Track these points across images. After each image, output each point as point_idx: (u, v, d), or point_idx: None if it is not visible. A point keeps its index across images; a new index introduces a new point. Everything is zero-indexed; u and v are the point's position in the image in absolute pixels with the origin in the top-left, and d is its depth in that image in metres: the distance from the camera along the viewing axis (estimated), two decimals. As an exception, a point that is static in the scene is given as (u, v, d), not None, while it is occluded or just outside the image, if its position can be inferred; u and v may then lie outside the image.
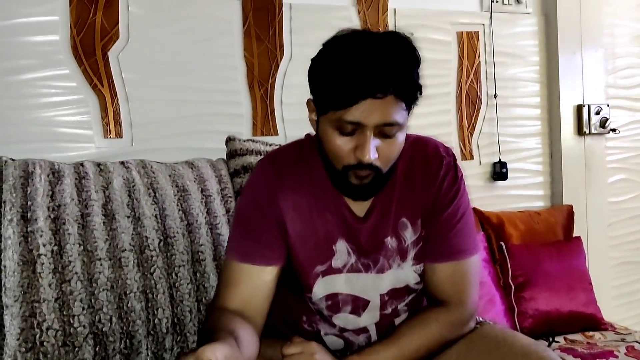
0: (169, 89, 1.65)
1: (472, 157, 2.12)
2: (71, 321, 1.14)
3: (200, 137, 1.67)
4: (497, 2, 2.14)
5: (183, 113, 1.66)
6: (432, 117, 2.01)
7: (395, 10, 1.97)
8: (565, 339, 1.77)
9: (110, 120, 1.58)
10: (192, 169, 1.44)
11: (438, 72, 2.06)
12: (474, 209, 1.93)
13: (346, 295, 1.01)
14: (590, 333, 1.80)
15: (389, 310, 1.03)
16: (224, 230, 1.35)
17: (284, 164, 1.01)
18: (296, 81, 1.77)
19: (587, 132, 2.24)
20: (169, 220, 1.30)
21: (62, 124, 1.52)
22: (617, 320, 2.03)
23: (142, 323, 1.20)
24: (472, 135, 2.12)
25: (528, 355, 0.90)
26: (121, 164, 1.37)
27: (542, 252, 1.91)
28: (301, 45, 1.80)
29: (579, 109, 2.25)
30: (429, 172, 1.01)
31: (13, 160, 1.27)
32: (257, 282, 0.96)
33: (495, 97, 2.14)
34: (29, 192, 1.20)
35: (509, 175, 2.15)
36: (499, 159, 2.14)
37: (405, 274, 1.02)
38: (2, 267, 1.13)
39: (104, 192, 1.28)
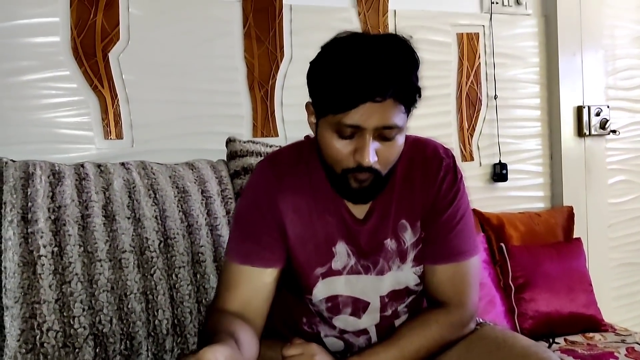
0: (169, 90, 1.65)
1: (472, 159, 2.12)
2: (71, 322, 1.14)
3: (200, 138, 1.67)
4: (497, 3, 2.14)
5: (183, 114, 1.66)
6: (432, 118, 2.01)
7: (395, 11, 1.97)
8: (565, 340, 1.76)
9: (111, 121, 1.58)
10: (192, 170, 1.44)
11: (438, 74, 2.06)
12: (474, 210, 1.93)
13: (346, 297, 1.01)
14: (591, 334, 1.80)
15: (389, 311, 1.03)
16: (224, 232, 1.35)
17: (283, 165, 1.01)
18: (296, 82, 1.77)
19: (587, 133, 2.24)
20: (169, 222, 1.30)
21: (62, 125, 1.53)
22: (617, 322, 2.03)
23: (143, 324, 1.20)
24: (472, 136, 2.12)
25: (528, 357, 0.90)
26: (121, 165, 1.37)
27: (543, 253, 1.91)
28: (301, 46, 1.80)
29: (579, 110, 2.24)
30: (429, 174, 1.01)
31: (13, 161, 1.27)
32: (257, 284, 0.96)
33: (495, 99, 2.14)
34: (29, 193, 1.20)
35: (509, 176, 2.15)
36: (499, 160, 2.14)
37: (405, 275, 1.02)
38: (3, 269, 1.13)
39: (105, 193, 1.28)
